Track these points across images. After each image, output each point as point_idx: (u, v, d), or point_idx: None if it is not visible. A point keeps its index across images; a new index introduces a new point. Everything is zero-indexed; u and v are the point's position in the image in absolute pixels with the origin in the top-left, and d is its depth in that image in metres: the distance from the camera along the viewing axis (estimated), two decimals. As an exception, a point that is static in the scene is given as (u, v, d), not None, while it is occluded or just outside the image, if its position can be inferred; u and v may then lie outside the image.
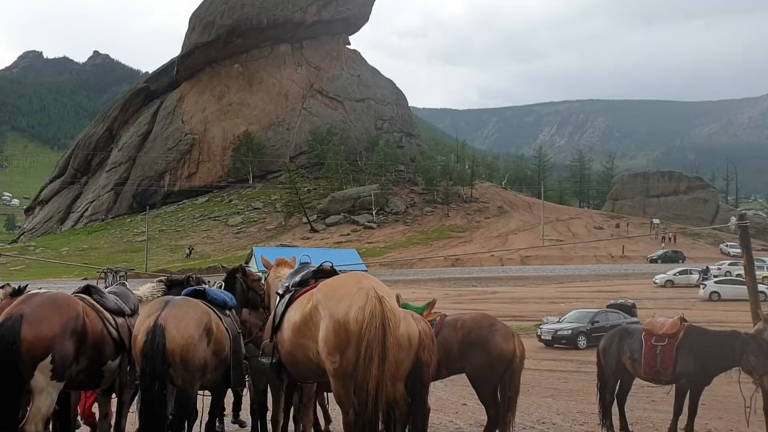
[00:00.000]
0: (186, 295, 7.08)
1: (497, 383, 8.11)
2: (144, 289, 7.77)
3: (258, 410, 8.33)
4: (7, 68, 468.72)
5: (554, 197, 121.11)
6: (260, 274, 9.02)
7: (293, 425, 7.92)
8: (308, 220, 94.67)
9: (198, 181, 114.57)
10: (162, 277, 8.27)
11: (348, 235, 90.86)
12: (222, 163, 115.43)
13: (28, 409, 5.94)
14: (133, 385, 6.97)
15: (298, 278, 6.95)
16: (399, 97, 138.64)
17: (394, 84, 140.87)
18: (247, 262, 63.13)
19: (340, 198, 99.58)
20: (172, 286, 7.90)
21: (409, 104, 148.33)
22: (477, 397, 8.81)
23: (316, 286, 6.51)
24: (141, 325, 6.34)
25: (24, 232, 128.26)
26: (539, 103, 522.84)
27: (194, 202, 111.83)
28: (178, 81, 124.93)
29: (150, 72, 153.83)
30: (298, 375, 6.81)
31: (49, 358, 5.82)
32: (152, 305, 6.62)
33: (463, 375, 8.67)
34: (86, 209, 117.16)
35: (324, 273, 6.91)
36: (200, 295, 7.08)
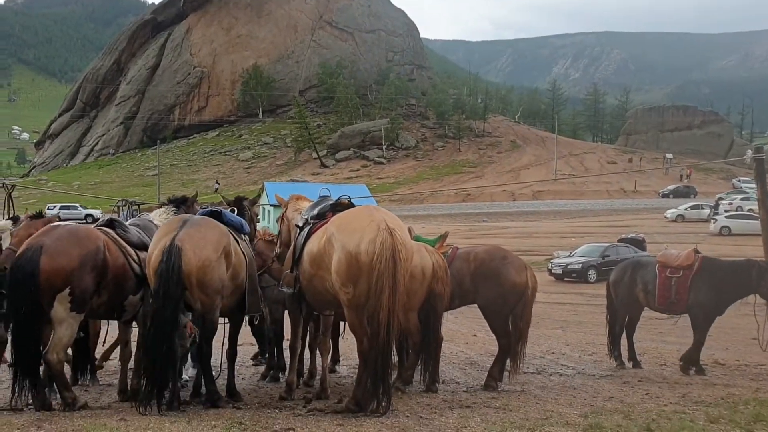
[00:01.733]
0: (202, 216, 6.90)
1: (509, 314, 8.21)
2: (155, 216, 7.75)
3: (275, 339, 8.51)
4: (10, 0, 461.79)
5: (568, 132, 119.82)
6: (269, 207, 9.03)
7: (308, 354, 8.08)
8: (318, 155, 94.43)
9: (208, 115, 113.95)
10: (164, 201, 8.23)
11: (358, 170, 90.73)
12: (232, 97, 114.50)
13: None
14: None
15: (316, 211, 6.94)
16: (410, 28, 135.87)
17: (406, 14, 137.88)
18: (258, 197, 63.57)
19: (350, 133, 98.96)
20: (179, 207, 7.83)
21: (421, 35, 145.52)
22: (487, 328, 8.94)
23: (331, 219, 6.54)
24: (157, 244, 6.20)
25: (35, 166, 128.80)
26: (554, 35, 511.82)
27: (204, 136, 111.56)
28: (185, 12, 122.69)
29: (156, 3, 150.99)
30: (316, 305, 6.90)
31: (68, 290, 5.91)
32: (169, 224, 6.51)
33: (473, 307, 8.78)
34: (96, 143, 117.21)
35: (341, 206, 6.90)
36: (216, 216, 6.90)
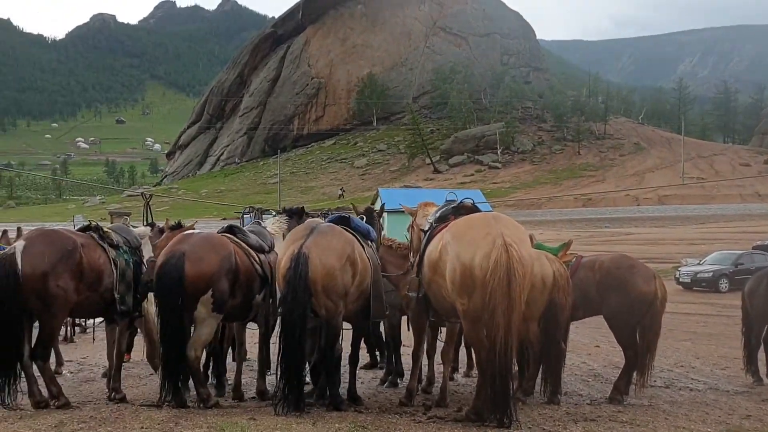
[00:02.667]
0: (331, 222, 7.11)
1: (636, 326, 7.86)
2: (269, 224, 8.04)
3: (393, 344, 8.57)
4: (144, 19, 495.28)
5: (696, 132, 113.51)
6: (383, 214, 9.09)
7: (426, 360, 8.06)
8: (431, 161, 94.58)
9: (325, 124, 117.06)
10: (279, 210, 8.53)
11: (472, 175, 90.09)
12: (347, 106, 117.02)
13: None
14: (275, 316, 7.32)
15: (438, 214, 6.91)
16: (526, 30, 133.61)
17: (521, 16, 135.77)
18: (372, 203, 64.45)
19: (464, 138, 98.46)
20: (291, 217, 8.08)
21: (537, 37, 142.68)
22: (610, 339, 8.60)
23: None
24: (285, 252, 6.44)
25: (166, 175, 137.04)
26: (679, 32, 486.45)
27: (322, 145, 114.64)
28: (303, 25, 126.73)
29: (276, 17, 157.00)
30: (440, 311, 6.84)
31: (210, 292, 6.31)
32: (297, 231, 6.73)
33: (596, 317, 8.47)
34: (222, 153, 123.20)
35: (464, 210, 6.83)
36: (344, 222, 7.10)
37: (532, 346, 7.44)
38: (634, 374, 7.84)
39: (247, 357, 8.62)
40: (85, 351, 10.55)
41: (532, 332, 7.24)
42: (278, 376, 6.16)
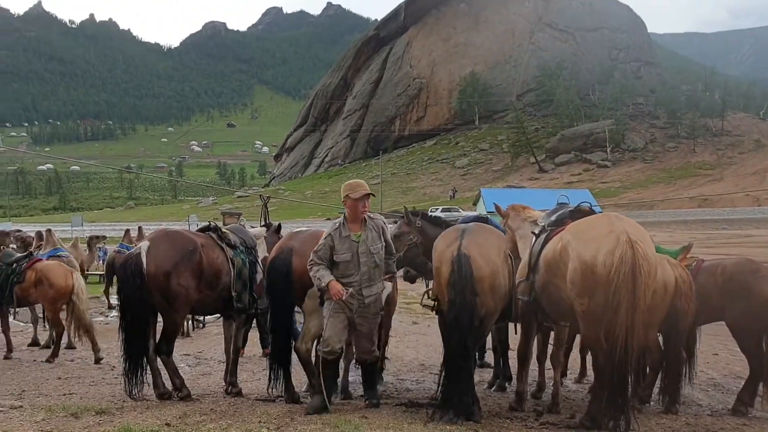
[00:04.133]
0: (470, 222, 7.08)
1: (762, 333, 7.38)
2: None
3: (501, 347, 8.46)
4: (252, 26, 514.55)
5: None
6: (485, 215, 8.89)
7: (535, 365, 7.90)
8: (536, 159, 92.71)
9: (426, 124, 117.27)
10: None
11: (579, 174, 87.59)
12: (449, 106, 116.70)
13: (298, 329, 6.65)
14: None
15: (554, 217, 6.75)
16: (636, 23, 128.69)
17: (631, 9, 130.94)
18: (475, 203, 63.83)
19: (571, 136, 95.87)
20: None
21: (648, 30, 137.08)
22: (729, 346, 8.12)
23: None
24: (443, 256, 6.34)
25: (274, 177, 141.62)
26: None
27: (423, 145, 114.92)
28: (405, 26, 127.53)
29: (379, 19, 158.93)
30: (552, 315, 6.70)
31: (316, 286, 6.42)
32: (447, 235, 6.64)
33: (714, 323, 8.02)
34: (326, 155, 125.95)
35: (581, 213, 6.66)
36: (483, 222, 7.08)
37: (651, 354, 7.15)
38: (760, 385, 7.38)
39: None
40: (200, 345, 11.02)
41: (651, 339, 6.96)
42: (443, 381, 6.09)
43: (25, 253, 10.81)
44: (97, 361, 9.69)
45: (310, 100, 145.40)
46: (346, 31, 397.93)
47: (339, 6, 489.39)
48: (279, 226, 8.83)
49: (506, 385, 8.28)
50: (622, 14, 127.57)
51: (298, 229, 7.26)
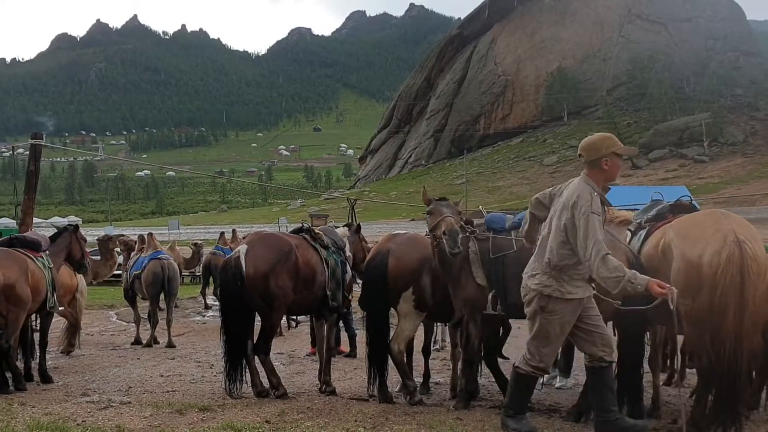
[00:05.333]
0: None
1: None
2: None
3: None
4: (337, 30, 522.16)
5: None
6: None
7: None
8: (629, 155, 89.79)
9: (512, 122, 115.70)
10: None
11: (675, 170, 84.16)
12: (535, 103, 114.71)
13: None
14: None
15: (653, 213, 6.53)
16: (734, 11, 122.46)
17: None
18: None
19: (665, 130, 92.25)
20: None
21: (748, 18, 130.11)
22: None
23: (670, 222, 6.09)
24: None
25: (359, 179, 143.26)
26: None
27: (509, 143, 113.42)
28: (490, 23, 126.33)
29: (462, 18, 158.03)
30: (651, 315, 6.47)
31: (411, 289, 6.50)
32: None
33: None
34: (410, 156, 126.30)
35: (681, 208, 6.41)
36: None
37: (757, 358, 6.78)
38: None
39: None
40: (293, 344, 11.24)
41: (756, 343, 6.59)
42: (624, 385, 5.96)
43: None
44: (66, 353, 10.08)
45: (393, 101, 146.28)
46: (429, 31, 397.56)
47: (422, 6, 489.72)
48: (359, 227, 8.97)
49: None
50: (718, 2, 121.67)
51: (397, 232, 7.34)
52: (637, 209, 7.10)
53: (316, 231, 7.63)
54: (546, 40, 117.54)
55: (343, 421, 5.49)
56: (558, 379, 8.11)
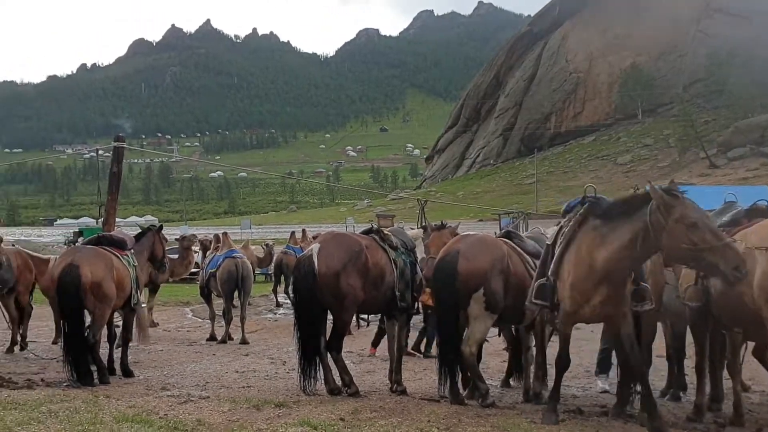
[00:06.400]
0: None
1: None
2: (552, 232, 7.94)
3: (675, 355, 8.01)
4: (404, 30, 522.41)
5: None
6: None
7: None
8: (706, 154, 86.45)
9: (584, 120, 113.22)
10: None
11: (756, 169, 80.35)
12: (608, 100, 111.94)
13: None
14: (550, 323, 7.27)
15: (727, 218, 6.33)
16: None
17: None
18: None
19: (745, 128, 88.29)
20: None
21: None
22: None
23: (749, 226, 5.88)
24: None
25: (425, 179, 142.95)
26: None
27: (581, 142, 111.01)
28: (560, 20, 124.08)
29: (532, 15, 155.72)
30: (727, 320, 6.25)
31: (482, 290, 6.46)
32: None
33: None
34: (478, 155, 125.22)
35: (758, 213, 6.20)
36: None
37: None
38: None
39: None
40: (362, 344, 11.33)
41: None
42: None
43: None
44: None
45: (461, 100, 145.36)
46: (497, 29, 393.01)
47: (490, 4, 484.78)
48: (439, 226, 8.94)
49: (680, 394, 7.83)
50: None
51: (466, 233, 7.32)
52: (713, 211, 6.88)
53: (385, 232, 7.69)
54: (619, 36, 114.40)
55: (416, 421, 5.51)
56: (601, 382, 7.97)
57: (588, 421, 6.04)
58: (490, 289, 6.47)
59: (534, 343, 7.57)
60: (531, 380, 7.31)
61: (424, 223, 9.91)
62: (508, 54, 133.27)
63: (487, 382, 6.84)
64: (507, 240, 7.15)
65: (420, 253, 8.42)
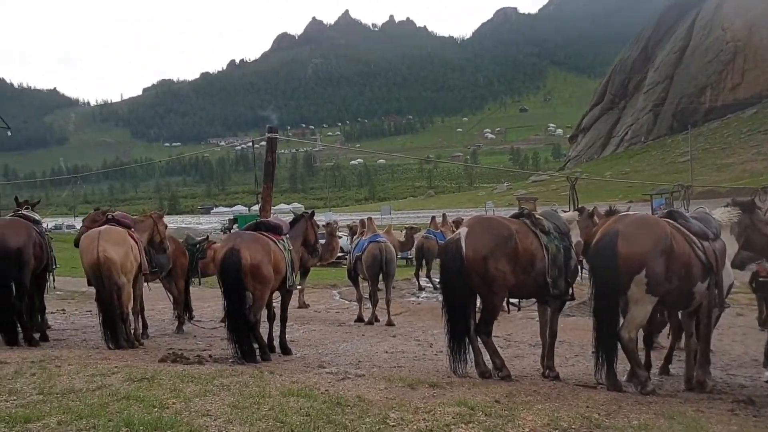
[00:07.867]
0: None
1: None
2: (719, 213, 7.46)
3: None
4: (544, 7, 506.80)
5: None
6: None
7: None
8: None
9: (743, 92, 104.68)
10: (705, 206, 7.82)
11: None
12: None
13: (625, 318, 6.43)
14: (721, 307, 6.86)
15: None
16: None
17: None
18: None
19: None
20: (744, 210, 7.36)
21: None
22: None
23: None
24: None
25: (569, 160, 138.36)
26: None
27: (740, 116, 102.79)
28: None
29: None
30: None
31: (644, 272, 6.17)
32: None
33: None
34: (626, 133, 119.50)
35: None
36: None
37: None
38: None
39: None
40: (508, 328, 11.26)
41: None
42: None
43: (204, 237, 12.77)
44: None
45: (607, 76, 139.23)
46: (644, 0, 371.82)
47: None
48: (593, 211, 8.61)
49: None
50: None
51: (625, 212, 7.04)
52: None
53: (537, 216, 7.52)
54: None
55: (574, 406, 5.39)
56: None
57: (761, 410, 5.66)
58: (652, 271, 6.17)
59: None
60: (694, 368, 6.93)
61: (577, 204, 9.53)
62: (657, 25, 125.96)
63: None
64: (670, 220, 6.79)
65: (575, 237, 8.14)
